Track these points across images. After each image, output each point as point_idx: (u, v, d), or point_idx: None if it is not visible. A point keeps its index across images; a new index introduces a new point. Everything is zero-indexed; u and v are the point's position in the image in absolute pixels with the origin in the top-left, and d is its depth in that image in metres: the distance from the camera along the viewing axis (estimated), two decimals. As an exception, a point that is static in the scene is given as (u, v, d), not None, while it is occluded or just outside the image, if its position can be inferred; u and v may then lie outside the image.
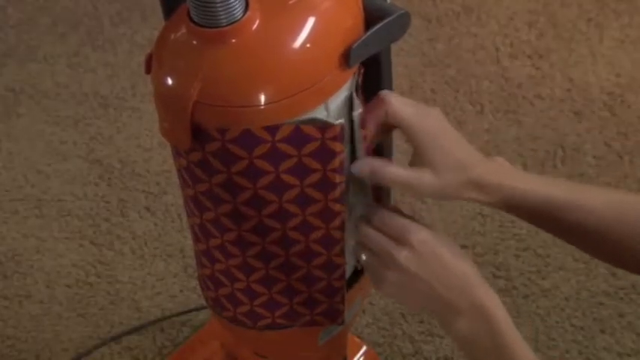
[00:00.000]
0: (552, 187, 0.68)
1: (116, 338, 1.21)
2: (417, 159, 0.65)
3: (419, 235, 0.64)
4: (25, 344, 1.22)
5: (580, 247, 0.72)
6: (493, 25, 1.73)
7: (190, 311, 1.22)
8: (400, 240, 0.64)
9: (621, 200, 0.70)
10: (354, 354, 1.10)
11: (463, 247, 1.29)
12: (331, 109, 0.60)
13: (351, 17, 0.60)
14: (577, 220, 0.67)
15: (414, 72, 1.63)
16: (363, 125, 0.64)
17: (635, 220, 0.67)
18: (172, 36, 0.59)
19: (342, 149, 0.61)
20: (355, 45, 0.58)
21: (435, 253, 0.65)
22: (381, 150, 0.72)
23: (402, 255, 0.64)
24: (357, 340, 1.13)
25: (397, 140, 0.72)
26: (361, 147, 0.65)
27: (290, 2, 0.57)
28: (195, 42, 0.56)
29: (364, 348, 1.12)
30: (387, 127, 0.65)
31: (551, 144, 1.47)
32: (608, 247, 0.69)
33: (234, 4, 0.54)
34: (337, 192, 0.64)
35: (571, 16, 1.74)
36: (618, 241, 0.67)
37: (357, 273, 0.79)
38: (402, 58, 1.65)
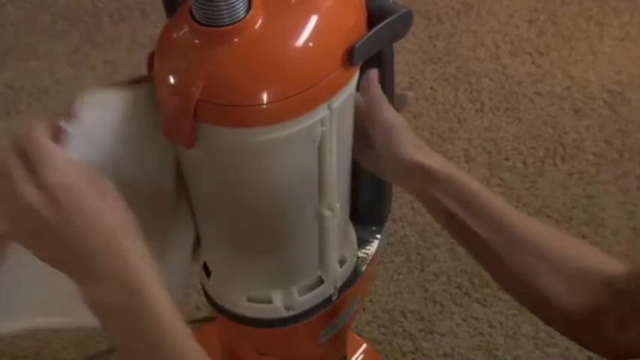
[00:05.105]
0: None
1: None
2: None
3: (56, 174, 0.51)
4: (25, 342, 1.22)
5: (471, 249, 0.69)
6: (493, 23, 1.73)
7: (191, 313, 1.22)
8: (35, 167, 0.52)
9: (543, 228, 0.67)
10: (354, 351, 1.10)
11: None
12: (334, 108, 0.60)
13: (353, 16, 0.60)
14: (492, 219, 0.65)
15: (415, 69, 1.63)
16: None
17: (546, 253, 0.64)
18: (175, 35, 0.59)
19: None
20: (358, 44, 0.58)
21: (74, 199, 0.52)
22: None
23: (26, 187, 0.51)
24: (357, 337, 1.13)
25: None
26: None
27: (293, 1, 0.57)
28: (197, 41, 0.56)
29: (364, 345, 1.12)
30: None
31: (551, 141, 1.47)
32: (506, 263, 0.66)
33: (237, 3, 0.54)
34: None
35: (571, 13, 1.74)
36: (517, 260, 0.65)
37: (356, 272, 0.79)
38: (402, 55, 1.65)
